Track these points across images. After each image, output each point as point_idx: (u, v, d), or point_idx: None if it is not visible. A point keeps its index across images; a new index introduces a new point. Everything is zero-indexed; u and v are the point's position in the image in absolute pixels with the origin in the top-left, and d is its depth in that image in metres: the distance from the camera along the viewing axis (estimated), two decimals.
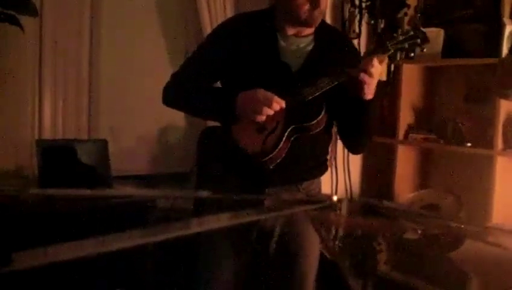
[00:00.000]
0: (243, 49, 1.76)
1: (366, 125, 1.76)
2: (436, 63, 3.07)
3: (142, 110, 3.35)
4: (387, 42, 1.66)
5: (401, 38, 1.66)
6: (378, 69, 1.62)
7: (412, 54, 1.73)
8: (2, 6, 2.46)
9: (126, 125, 3.40)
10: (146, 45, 3.44)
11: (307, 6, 1.67)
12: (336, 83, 1.64)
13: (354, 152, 2.06)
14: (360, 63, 1.63)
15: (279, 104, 1.64)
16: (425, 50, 1.72)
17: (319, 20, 1.73)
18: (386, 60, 3.01)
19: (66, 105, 3.09)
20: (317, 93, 1.64)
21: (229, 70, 1.78)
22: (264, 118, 1.65)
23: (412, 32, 1.68)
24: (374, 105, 1.70)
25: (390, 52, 1.67)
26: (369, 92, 1.65)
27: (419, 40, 1.67)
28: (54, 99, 3.05)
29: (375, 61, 1.60)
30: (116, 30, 3.33)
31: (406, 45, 1.67)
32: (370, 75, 1.60)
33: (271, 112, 1.64)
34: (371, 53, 1.67)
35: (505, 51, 2.70)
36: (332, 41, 1.80)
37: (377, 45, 1.73)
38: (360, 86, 1.63)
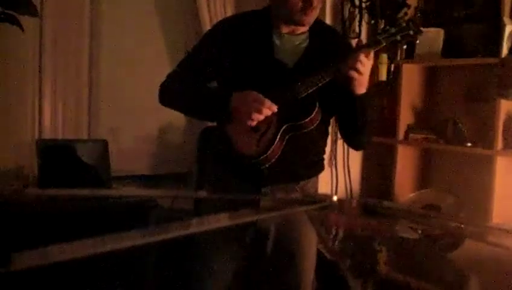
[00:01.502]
0: (239, 48, 1.77)
1: (361, 120, 1.75)
2: (436, 63, 3.07)
3: (142, 110, 3.35)
4: (378, 35, 1.66)
5: (392, 30, 1.66)
6: (367, 64, 1.61)
7: (405, 46, 1.72)
8: (2, 6, 2.47)
9: (126, 125, 3.40)
10: (146, 45, 3.44)
11: (300, 5, 1.68)
12: (327, 79, 1.64)
13: (354, 148, 2.06)
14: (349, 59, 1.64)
15: (270, 109, 1.65)
16: (418, 41, 1.72)
17: (313, 19, 1.74)
18: (386, 60, 3.02)
19: (66, 105, 3.10)
20: (310, 90, 1.65)
21: (224, 69, 1.79)
22: (254, 123, 1.66)
23: (404, 24, 1.68)
24: (368, 99, 1.70)
25: (381, 45, 1.67)
26: (360, 88, 1.65)
27: (411, 32, 1.67)
28: (54, 99, 3.06)
29: (362, 57, 1.60)
30: (116, 30, 3.33)
31: (398, 37, 1.66)
32: (357, 71, 1.60)
33: (261, 118, 1.65)
34: (360, 48, 1.67)
35: (505, 51, 2.69)
36: (327, 39, 1.81)
37: (369, 40, 1.73)
38: (349, 81, 1.63)
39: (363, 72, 1.61)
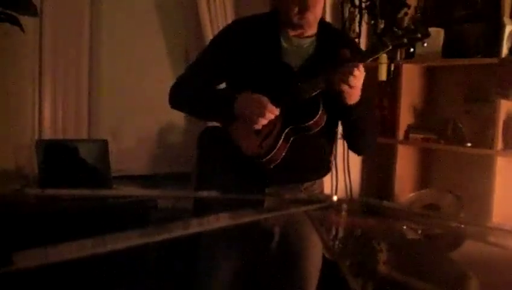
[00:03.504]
0: (247, 50, 1.77)
1: (357, 128, 1.75)
2: (436, 63, 3.06)
3: (142, 110, 3.35)
4: (385, 38, 1.64)
5: (400, 33, 1.64)
6: (358, 78, 1.58)
7: (412, 50, 1.70)
8: (2, 6, 2.46)
9: (126, 125, 3.40)
10: (146, 45, 3.44)
11: (296, 10, 1.68)
12: (327, 83, 1.63)
13: (356, 153, 2.05)
14: (348, 67, 1.60)
15: (272, 113, 1.65)
16: (425, 44, 1.69)
17: (312, 22, 1.73)
18: (386, 60, 3.01)
19: (66, 105, 3.10)
20: (313, 93, 1.65)
21: (233, 71, 1.79)
22: (260, 127, 1.67)
23: (412, 27, 1.66)
24: (362, 109, 1.68)
25: (388, 48, 1.65)
26: (350, 98, 1.63)
27: (419, 35, 1.64)
28: (54, 99, 3.06)
29: (356, 71, 1.57)
30: (116, 30, 3.33)
31: (405, 40, 1.64)
32: (348, 84, 1.57)
33: (265, 122, 1.66)
34: (364, 56, 1.65)
35: (505, 51, 2.69)
36: (335, 42, 1.80)
37: (375, 43, 1.71)
38: (339, 93, 1.61)
39: (353, 85, 1.58)
